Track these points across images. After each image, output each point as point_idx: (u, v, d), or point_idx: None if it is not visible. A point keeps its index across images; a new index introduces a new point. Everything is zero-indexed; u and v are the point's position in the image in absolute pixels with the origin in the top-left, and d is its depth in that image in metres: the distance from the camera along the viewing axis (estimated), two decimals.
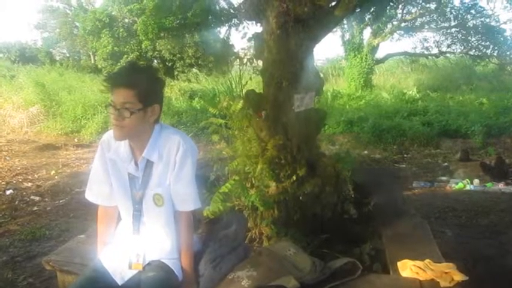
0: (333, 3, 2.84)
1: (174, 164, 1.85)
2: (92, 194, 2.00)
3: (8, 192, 5.89)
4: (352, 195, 3.05)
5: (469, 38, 16.06)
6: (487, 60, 16.60)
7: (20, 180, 6.60)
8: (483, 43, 15.91)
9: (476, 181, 6.20)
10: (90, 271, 1.91)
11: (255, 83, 5.73)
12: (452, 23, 15.99)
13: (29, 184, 6.35)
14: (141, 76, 1.76)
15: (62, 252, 2.54)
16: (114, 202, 1.99)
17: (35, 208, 5.27)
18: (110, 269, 1.90)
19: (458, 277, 1.98)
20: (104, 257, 1.95)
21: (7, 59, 26.05)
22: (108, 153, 1.91)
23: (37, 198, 5.64)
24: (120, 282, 1.87)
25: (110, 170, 1.92)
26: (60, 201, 5.50)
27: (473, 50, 16.34)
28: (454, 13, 15.68)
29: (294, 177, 2.69)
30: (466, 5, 15.42)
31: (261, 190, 2.71)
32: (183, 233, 1.95)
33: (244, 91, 3.49)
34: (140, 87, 1.72)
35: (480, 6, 15.34)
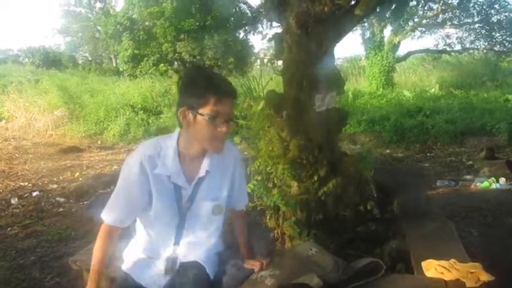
0: (353, 3, 2.82)
1: (231, 175, 1.89)
2: (110, 215, 1.79)
3: (34, 194, 6.02)
4: (375, 195, 3.03)
5: (493, 33, 15.79)
6: None
7: (46, 182, 6.72)
8: (508, 38, 15.60)
9: (502, 180, 6.06)
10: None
11: (276, 84, 5.73)
12: (476, 19, 15.70)
13: (55, 186, 6.47)
14: None
15: (88, 252, 2.59)
16: (128, 223, 1.85)
17: (61, 209, 5.37)
18: (144, 281, 1.83)
19: (485, 277, 1.94)
20: (134, 272, 1.87)
21: (32, 63, 26.74)
22: (154, 170, 1.73)
23: (62, 199, 5.74)
24: None
25: (153, 186, 1.75)
26: (85, 202, 5.59)
27: (498, 46, 16.03)
28: (478, 8, 15.42)
29: (316, 177, 2.68)
30: None
31: (283, 190, 2.72)
32: (243, 227, 2.11)
33: (264, 92, 3.50)
34: None
35: (504, 1, 15.09)
